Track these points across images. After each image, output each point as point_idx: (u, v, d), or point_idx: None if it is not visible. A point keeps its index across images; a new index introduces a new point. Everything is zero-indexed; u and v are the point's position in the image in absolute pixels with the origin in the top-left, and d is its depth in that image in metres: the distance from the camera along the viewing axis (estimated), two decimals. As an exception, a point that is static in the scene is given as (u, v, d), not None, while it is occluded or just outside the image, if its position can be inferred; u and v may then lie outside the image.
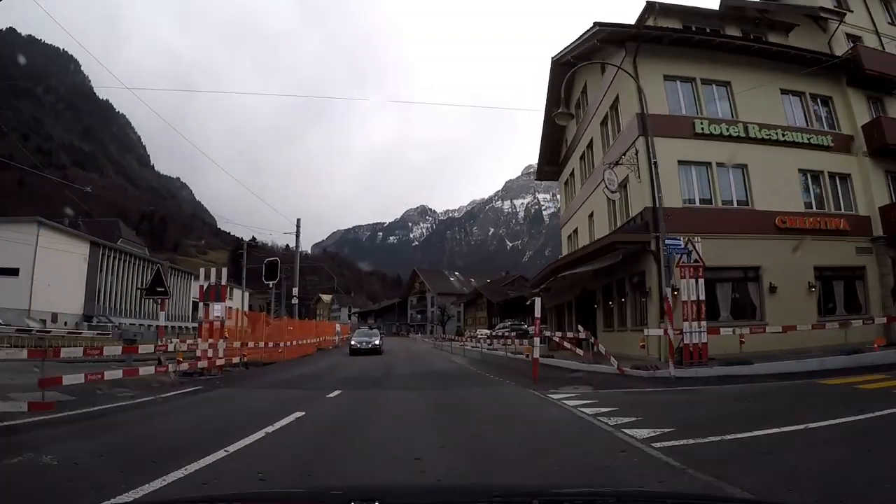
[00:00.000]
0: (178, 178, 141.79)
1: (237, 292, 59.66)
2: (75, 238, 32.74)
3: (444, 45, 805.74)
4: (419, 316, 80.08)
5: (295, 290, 24.20)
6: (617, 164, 13.92)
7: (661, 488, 3.09)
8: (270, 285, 21.77)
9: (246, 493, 2.81)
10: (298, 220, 24.29)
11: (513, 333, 22.55)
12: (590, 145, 19.40)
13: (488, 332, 41.15)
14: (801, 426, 4.76)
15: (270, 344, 17.74)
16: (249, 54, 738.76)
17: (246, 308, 50.04)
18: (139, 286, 37.37)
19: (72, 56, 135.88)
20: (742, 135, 14.38)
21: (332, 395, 8.41)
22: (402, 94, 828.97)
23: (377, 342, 22.41)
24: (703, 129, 14.14)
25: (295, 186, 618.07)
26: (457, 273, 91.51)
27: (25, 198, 66.19)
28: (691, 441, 4.38)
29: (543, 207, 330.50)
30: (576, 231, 21.78)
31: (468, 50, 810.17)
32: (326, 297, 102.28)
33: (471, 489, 2.41)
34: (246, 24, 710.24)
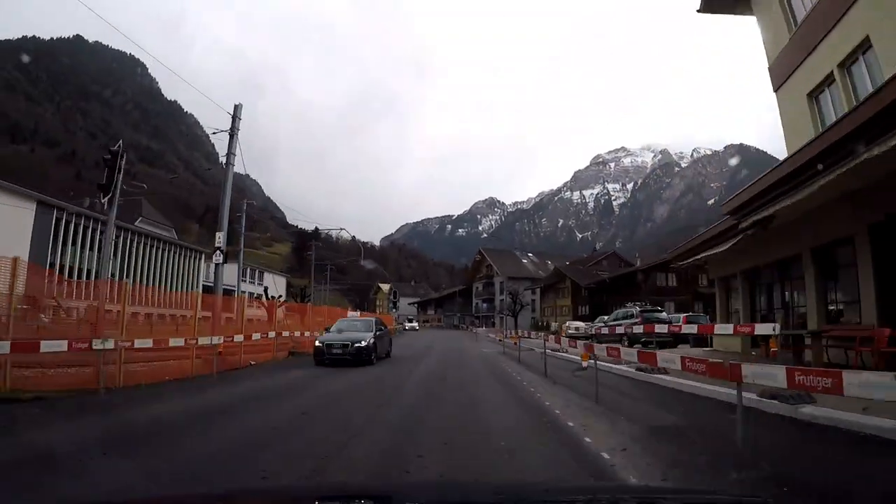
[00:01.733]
0: (248, 175, 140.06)
1: (268, 276, 51.43)
2: (15, 195, 24.10)
3: (508, 45, 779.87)
4: (485, 305, 67.36)
5: (219, 237, 12.98)
6: None
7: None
8: (105, 203, 11.32)
9: (248, 488, 2.90)
10: (237, 106, 13.52)
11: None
12: None
13: (584, 325, 28.22)
14: None
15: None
16: (315, 48, 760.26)
17: (283, 294, 40.83)
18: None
19: (138, 60, 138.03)
20: None
21: None
22: (466, 86, 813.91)
23: None
24: None
25: (365, 179, 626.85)
26: (530, 254, 77.50)
27: (80, 190, 63.11)
28: None
29: (613, 198, 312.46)
30: (851, 54, 9.23)
31: (527, 49, 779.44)
32: (385, 287, 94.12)
33: (473, 486, 2.35)
34: (310, 19, 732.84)
